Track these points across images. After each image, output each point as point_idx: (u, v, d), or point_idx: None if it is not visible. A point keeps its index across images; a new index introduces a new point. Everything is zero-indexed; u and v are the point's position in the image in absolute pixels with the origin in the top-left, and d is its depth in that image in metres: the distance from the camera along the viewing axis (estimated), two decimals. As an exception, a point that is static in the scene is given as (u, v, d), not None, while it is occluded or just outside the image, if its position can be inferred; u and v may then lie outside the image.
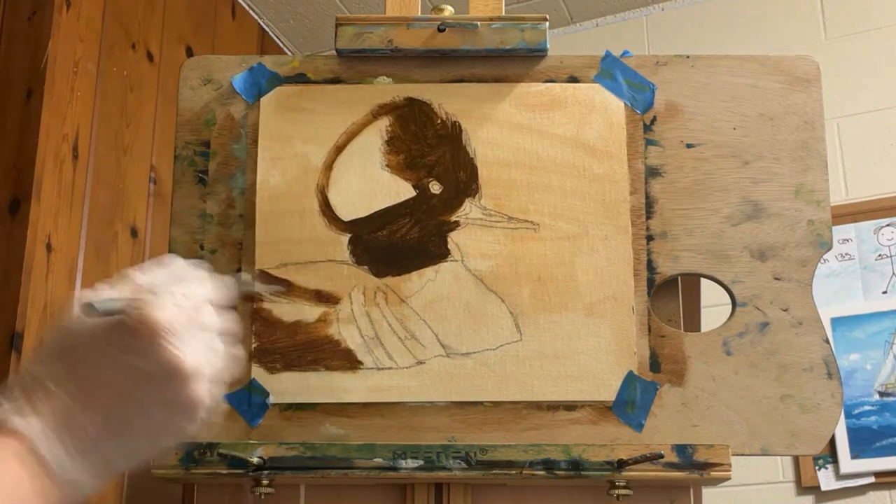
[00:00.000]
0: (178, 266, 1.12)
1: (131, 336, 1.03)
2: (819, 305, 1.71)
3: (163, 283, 1.08)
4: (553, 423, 1.65)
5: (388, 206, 1.72)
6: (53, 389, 1.03)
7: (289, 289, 1.70)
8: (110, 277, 1.09)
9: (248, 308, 1.70)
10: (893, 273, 3.45)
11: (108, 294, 1.05)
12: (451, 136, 1.75)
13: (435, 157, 1.74)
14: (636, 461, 1.58)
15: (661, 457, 1.59)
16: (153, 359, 1.04)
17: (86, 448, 1.03)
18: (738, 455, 1.63)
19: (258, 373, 1.67)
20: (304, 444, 1.61)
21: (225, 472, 1.61)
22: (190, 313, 1.07)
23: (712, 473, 1.60)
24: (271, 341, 1.68)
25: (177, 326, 1.04)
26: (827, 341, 1.68)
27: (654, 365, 1.67)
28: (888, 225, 3.50)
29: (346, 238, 1.71)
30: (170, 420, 1.08)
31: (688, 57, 1.79)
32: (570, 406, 1.66)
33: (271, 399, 1.67)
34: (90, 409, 1.03)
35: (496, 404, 1.66)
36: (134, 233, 3.30)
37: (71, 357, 1.05)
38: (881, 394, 3.34)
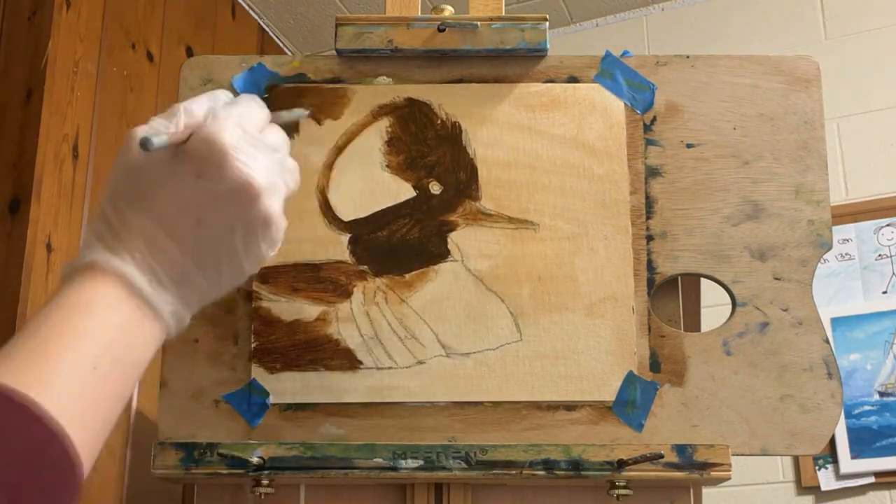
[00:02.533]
0: (226, 94, 1.14)
1: (200, 159, 1.05)
2: (819, 305, 1.71)
3: (219, 108, 1.09)
4: (553, 423, 1.65)
5: (389, 207, 1.72)
6: (136, 221, 1.05)
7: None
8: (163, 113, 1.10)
9: (247, 308, 1.70)
10: (893, 273, 3.45)
11: (162, 127, 1.07)
12: (451, 136, 1.75)
13: (435, 158, 1.74)
14: (636, 461, 1.58)
15: (661, 457, 1.59)
16: (225, 178, 1.06)
17: (175, 276, 1.06)
18: (738, 455, 1.63)
19: (258, 372, 1.67)
20: (303, 444, 1.61)
21: (225, 472, 1.61)
22: (252, 132, 1.09)
23: (712, 473, 1.60)
24: (271, 340, 1.68)
25: (243, 144, 1.06)
26: (827, 341, 1.68)
27: (654, 365, 1.67)
28: (888, 225, 3.50)
29: (346, 238, 1.71)
30: (249, 240, 1.10)
31: (688, 57, 1.79)
32: (570, 406, 1.66)
33: (271, 399, 1.67)
34: (173, 236, 1.06)
35: (496, 404, 1.66)
36: (134, 233, 3.30)
37: (145, 188, 1.06)
38: (881, 394, 3.34)
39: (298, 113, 1.48)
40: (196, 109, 1.09)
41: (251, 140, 1.08)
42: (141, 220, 1.05)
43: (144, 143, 1.04)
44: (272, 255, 1.14)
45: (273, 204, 1.11)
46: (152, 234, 1.05)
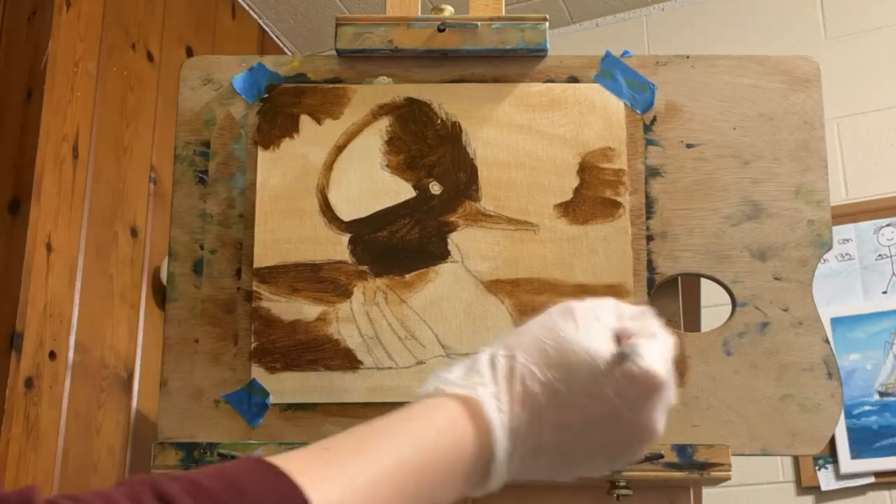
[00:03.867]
0: (653, 318, 1.10)
1: (631, 383, 1.01)
2: (819, 305, 1.71)
3: (647, 329, 1.07)
4: (553, 423, 1.65)
5: (389, 207, 1.72)
6: (536, 392, 1.01)
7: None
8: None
9: (247, 307, 1.70)
10: (893, 273, 3.45)
11: (644, 345, 1.03)
12: (451, 136, 1.75)
13: (435, 158, 1.74)
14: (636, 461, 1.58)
15: (661, 457, 1.59)
16: (638, 413, 1.03)
17: (529, 456, 1.02)
18: (738, 455, 1.63)
19: (258, 373, 1.67)
20: (304, 444, 1.60)
21: (225, 472, 1.60)
22: (672, 371, 1.05)
23: (712, 473, 1.59)
24: (271, 340, 1.68)
25: (668, 385, 1.03)
26: (827, 341, 1.68)
27: (654, 365, 1.66)
28: (888, 225, 3.50)
29: (346, 238, 1.71)
30: (616, 461, 1.07)
31: (688, 57, 1.79)
32: (569, 406, 1.65)
33: (271, 399, 1.66)
34: (557, 426, 1.02)
35: (496, 404, 1.65)
36: (134, 233, 3.31)
37: (564, 367, 1.03)
38: (881, 394, 3.34)
39: None
40: (629, 323, 1.07)
41: (672, 382, 1.05)
42: (542, 395, 1.01)
43: (618, 356, 1.02)
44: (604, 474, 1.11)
45: (645, 450, 1.08)
46: (541, 414, 1.01)
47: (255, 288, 1.70)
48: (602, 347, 1.03)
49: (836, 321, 3.42)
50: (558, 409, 1.01)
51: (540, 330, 1.06)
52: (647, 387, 1.02)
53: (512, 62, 1.79)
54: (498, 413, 0.99)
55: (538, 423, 1.01)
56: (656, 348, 1.04)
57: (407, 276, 1.70)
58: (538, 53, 1.79)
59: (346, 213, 1.72)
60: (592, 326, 1.06)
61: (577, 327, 1.06)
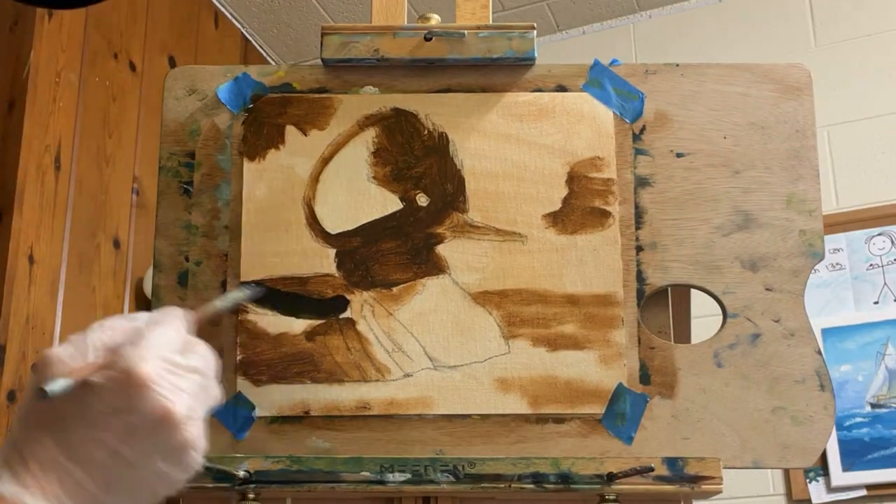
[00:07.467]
0: (145, 315, 1.12)
1: (116, 394, 1.02)
2: (809, 316, 1.69)
3: (135, 335, 1.07)
4: (542, 436, 1.64)
5: (375, 219, 1.71)
6: (49, 453, 1.01)
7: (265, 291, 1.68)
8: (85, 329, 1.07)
9: (232, 320, 1.69)
10: (885, 283, 3.45)
11: (66, 363, 1.03)
12: (438, 147, 1.73)
13: (422, 169, 1.73)
14: (626, 474, 1.57)
15: (652, 470, 1.58)
16: (144, 410, 1.03)
17: None
18: (729, 468, 1.62)
19: (244, 385, 1.65)
20: (290, 457, 1.60)
21: (211, 485, 1.59)
22: (173, 358, 1.06)
23: (703, 487, 1.59)
24: (256, 353, 1.67)
25: (164, 374, 1.04)
26: (819, 353, 1.66)
27: (644, 377, 1.65)
28: (879, 234, 3.50)
29: (332, 251, 1.70)
30: (166, 468, 1.07)
31: (677, 65, 1.78)
32: (559, 419, 1.64)
33: (257, 412, 1.65)
34: (88, 471, 1.02)
35: (484, 417, 1.64)
36: (116, 244, 3.29)
37: (58, 419, 1.03)
38: (873, 405, 3.33)
39: (241, 295, 1.50)
40: (107, 339, 1.06)
41: (171, 368, 1.05)
42: (54, 452, 1.02)
43: (42, 393, 1.00)
44: (187, 478, 1.12)
45: (193, 430, 1.08)
46: (65, 468, 1.01)
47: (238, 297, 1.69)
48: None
49: (826, 332, 3.42)
50: (72, 450, 1.02)
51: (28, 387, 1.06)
52: (128, 385, 1.02)
53: (499, 71, 1.78)
54: (27, 496, 0.99)
55: (69, 475, 1.01)
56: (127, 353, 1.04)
57: (394, 288, 1.69)
58: (526, 62, 1.77)
59: (333, 225, 1.71)
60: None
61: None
